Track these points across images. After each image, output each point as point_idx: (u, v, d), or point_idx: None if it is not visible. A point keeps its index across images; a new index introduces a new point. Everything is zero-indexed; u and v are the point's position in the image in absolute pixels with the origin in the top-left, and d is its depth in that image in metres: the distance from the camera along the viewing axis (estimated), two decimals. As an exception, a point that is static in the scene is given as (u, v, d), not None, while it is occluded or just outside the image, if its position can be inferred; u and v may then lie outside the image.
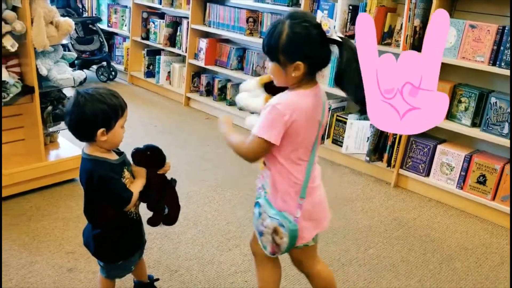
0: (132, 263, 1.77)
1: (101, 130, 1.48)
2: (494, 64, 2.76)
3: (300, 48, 1.35)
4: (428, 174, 3.11)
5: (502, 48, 2.71)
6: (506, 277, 2.34)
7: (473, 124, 2.92)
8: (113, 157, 1.59)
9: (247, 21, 4.11)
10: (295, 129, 1.41)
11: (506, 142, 2.76)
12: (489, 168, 2.82)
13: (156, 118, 4.37)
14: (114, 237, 1.64)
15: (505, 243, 2.66)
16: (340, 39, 1.36)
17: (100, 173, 1.50)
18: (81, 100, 1.46)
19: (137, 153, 1.62)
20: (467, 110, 2.93)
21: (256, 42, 4.13)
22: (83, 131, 1.50)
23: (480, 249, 2.58)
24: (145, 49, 5.22)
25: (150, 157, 1.65)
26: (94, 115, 1.46)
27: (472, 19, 2.87)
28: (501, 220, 2.82)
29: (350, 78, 1.39)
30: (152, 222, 1.71)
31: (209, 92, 4.70)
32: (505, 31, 2.69)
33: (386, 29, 3.24)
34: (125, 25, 5.51)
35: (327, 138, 3.67)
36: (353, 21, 3.35)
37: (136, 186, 1.60)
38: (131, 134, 3.77)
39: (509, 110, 2.74)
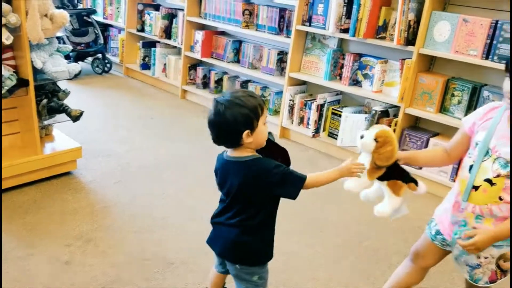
0: None
1: (246, 132, 1.47)
2: (487, 58, 2.78)
3: None
4: (421, 167, 3.13)
5: (495, 42, 2.73)
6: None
7: (466, 118, 2.95)
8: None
9: (243, 14, 4.11)
10: None
11: (498, 135, 2.78)
12: (481, 161, 2.85)
13: (152, 110, 4.38)
14: (272, 234, 1.65)
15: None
16: None
17: (273, 165, 1.50)
18: (221, 108, 1.46)
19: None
20: (460, 103, 2.95)
21: (252, 35, 4.13)
22: (230, 137, 1.50)
23: (472, 241, 2.61)
24: (141, 41, 5.21)
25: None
26: (236, 120, 1.46)
27: (466, 13, 2.88)
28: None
29: None
30: None
31: (205, 85, 4.70)
32: (498, 25, 2.71)
33: (380, 23, 3.25)
34: (121, 17, 5.49)
35: (323, 131, 3.70)
36: (348, 14, 3.36)
37: None
38: (127, 127, 3.81)
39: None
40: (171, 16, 4.87)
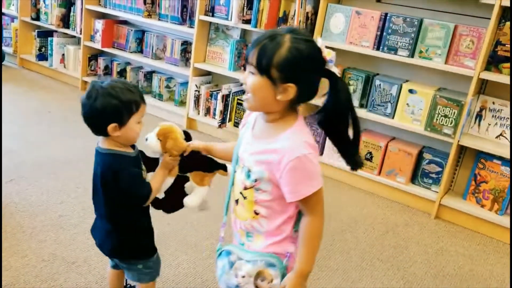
0: None
1: (113, 125, 1.43)
2: (378, 49, 2.96)
3: (299, 67, 1.15)
4: (322, 153, 3.29)
5: (384, 33, 2.92)
6: (390, 244, 2.57)
7: (361, 105, 3.13)
8: (130, 150, 1.53)
9: (145, 3, 4.01)
10: None
11: (389, 121, 3.00)
12: (375, 146, 3.06)
13: (50, 104, 4.14)
14: (147, 227, 1.60)
15: (390, 213, 2.92)
16: (337, 75, 1.21)
17: (124, 168, 1.46)
18: (94, 93, 1.41)
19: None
20: (355, 92, 3.13)
21: (154, 24, 4.05)
22: (95, 125, 1.46)
23: (367, 220, 2.80)
24: (36, 31, 4.89)
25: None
26: (105, 109, 1.41)
27: (358, 6, 3.05)
28: (386, 193, 3.08)
29: (345, 124, 1.25)
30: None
31: (107, 76, 4.53)
32: (387, 17, 2.90)
33: (281, 15, 3.34)
34: (13, 4, 5.11)
35: (229, 121, 3.73)
36: (250, 5, 3.40)
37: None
38: (21, 123, 3.58)
39: (391, 91, 2.97)
40: (68, 4, 4.63)
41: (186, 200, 1.60)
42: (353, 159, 1.30)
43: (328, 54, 1.18)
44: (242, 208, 1.32)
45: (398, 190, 3.03)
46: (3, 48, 5.18)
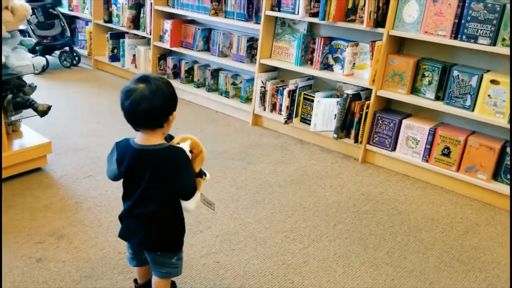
0: None
1: (175, 113, 1.52)
2: (455, 38, 2.80)
3: None
4: (394, 149, 3.16)
5: (463, 21, 2.75)
6: (470, 245, 2.42)
7: (437, 98, 2.98)
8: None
9: (211, 1, 4.05)
10: None
11: (468, 114, 2.83)
12: (453, 140, 2.89)
13: (123, 102, 4.29)
14: (182, 220, 1.66)
15: (470, 212, 2.75)
16: None
17: (189, 164, 1.54)
18: (161, 84, 1.47)
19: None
20: (430, 84, 2.98)
21: (221, 22, 4.08)
22: (160, 116, 1.50)
23: (445, 219, 2.66)
24: (109, 33, 5.10)
25: None
26: (172, 98, 1.49)
27: (433, -6, 2.90)
28: (465, 190, 2.91)
29: None
30: None
31: (176, 75, 4.63)
32: (466, 4, 2.73)
33: (350, 6, 3.24)
34: (87, 8, 5.35)
35: (295, 117, 3.69)
36: (317, -2, 3.34)
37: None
38: (97, 121, 3.73)
39: (471, 83, 2.80)
40: (138, 5, 4.78)
41: (186, 206, 1.67)
42: None
43: None
44: None
45: (478, 187, 2.85)
46: (79, 50, 5.43)
